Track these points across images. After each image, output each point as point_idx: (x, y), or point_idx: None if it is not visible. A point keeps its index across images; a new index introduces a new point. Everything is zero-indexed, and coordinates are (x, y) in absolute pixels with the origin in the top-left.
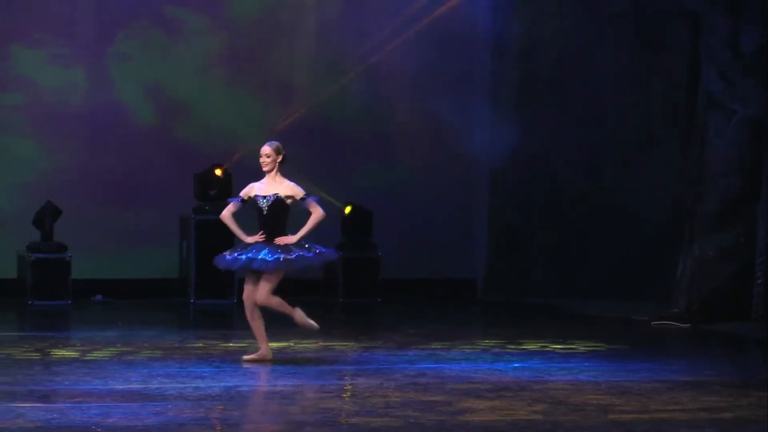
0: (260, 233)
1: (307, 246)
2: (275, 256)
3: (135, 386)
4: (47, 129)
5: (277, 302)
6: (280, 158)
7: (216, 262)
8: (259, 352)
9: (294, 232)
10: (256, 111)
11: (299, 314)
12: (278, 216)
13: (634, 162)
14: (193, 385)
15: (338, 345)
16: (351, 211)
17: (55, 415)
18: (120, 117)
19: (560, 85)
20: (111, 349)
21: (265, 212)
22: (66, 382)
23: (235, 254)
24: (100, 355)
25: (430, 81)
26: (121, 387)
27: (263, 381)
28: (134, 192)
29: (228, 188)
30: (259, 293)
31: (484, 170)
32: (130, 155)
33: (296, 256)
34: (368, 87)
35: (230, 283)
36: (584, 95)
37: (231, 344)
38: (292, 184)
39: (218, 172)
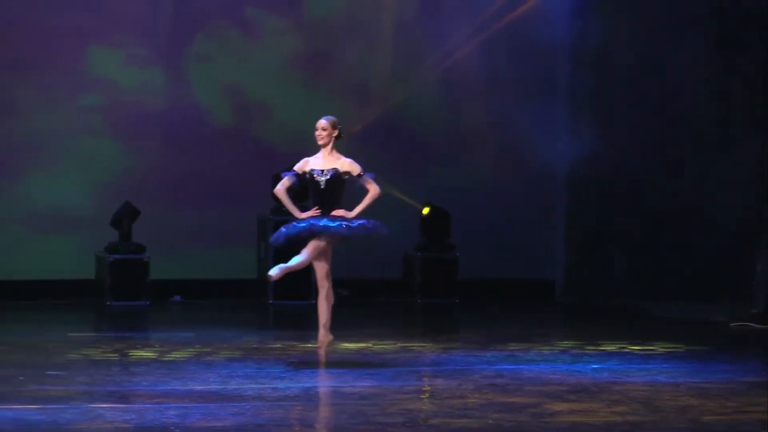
0: (315, 208)
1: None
2: (338, 222)
3: (213, 387)
4: (125, 130)
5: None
6: (335, 133)
7: (273, 240)
8: (320, 339)
9: (349, 209)
10: (332, 112)
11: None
12: (335, 191)
13: (712, 164)
14: (272, 385)
15: (416, 346)
16: (429, 212)
17: (133, 416)
18: (198, 117)
19: (637, 88)
20: (189, 349)
21: (322, 186)
22: (144, 383)
23: (294, 224)
24: (179, 356)
25: (506, 83)
26: (199, 388)
27: (342, 382)
28: (212, 192)
29: (305, 188)
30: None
31: (562, 172)
32: (208, 156)
33: (357, 224)
34: (446, 88)
35: (308, 284)
36: (662, 98)
37: (309, 345)
38: (349, 160)
39: None
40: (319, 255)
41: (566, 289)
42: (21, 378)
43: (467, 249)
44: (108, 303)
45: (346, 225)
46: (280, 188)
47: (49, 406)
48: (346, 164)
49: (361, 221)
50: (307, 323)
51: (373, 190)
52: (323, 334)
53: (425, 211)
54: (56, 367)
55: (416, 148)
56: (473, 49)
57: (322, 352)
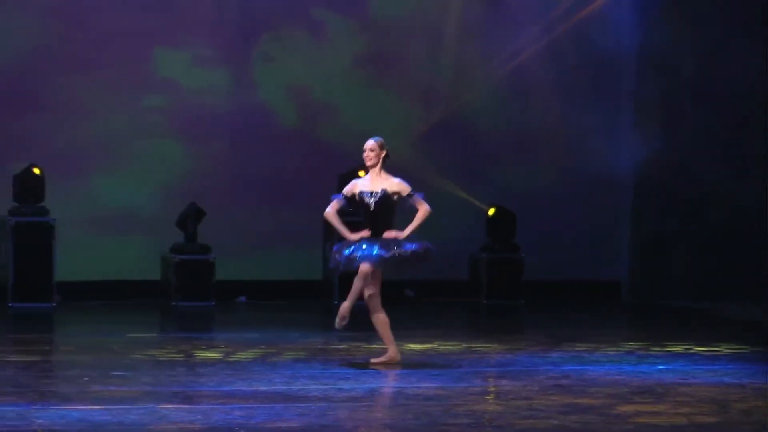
0: (366, 230)
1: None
2: (390, 253)
3: (278, 388)
4: (191, 131)
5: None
6: (383, 153)
7: (332, 264)
8: (387, 354)
9: (400, 229)
10: (398, 112)
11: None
12: (386, 212)
13: None
14: (337, 386)
15: (481, 347)
16: (494, 213)
17: (198, 417)
18: (263, 118)
19: (702, 91)
20: (254, 350)
21: (372, 208)
22: (209, 384)
23: (346, 252)
24: (244, 357)
25: (571, 85)
26: (264, 388)
27: (407, 383)
28: (278, 193)
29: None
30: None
31: (628, 173)
32: (273, 156)
33: (409, 250)
34: (511, 89)
35: None
36: (726, 101)
37: (374, 346)
38: (398, 180)
39: (361, 173)
40: (369, 280)
41: (632, 290)
42: (86, 378)
43: (533, 250)
44: (173, 303)
45: (398, 254)
46: (330, 211)
47: (114, 407)
48: (395, 184)
49: (412, 246)
50: (371, 325)
51: (423, 209)
52: (393, 351)
53: (491, 212)
54: (121, 368)
55: (482, 149)
56: (538, 51)
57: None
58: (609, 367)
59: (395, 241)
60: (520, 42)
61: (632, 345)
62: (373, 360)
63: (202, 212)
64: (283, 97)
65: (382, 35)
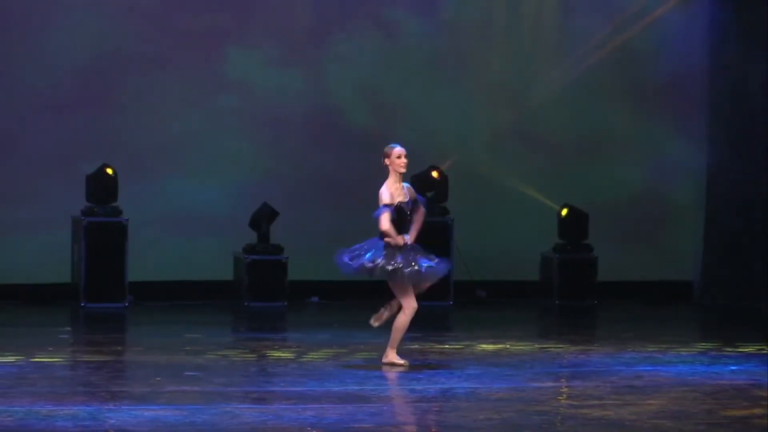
0: (403, 235)
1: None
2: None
3: (351, 388)
4: (263, 131)
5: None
6: None
7: (361, 269)
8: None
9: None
10: (471, 113)
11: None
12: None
13: None
14: (409, 387)
15: (554, 347)
16: (567, 214)
17: (270, 417)
18: (335, 118)
19: None
20: (326, 350)
21: (408, 218)
22: (282, 384)
23: (396, 260)
24: (316, 357)
25: (645, 86)
26: (336, 389)
27: (479, 383)
28: (350, 193)
29: (444, 190)
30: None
31: (701, 174)
32: (345, 156)
33: (438, 265)
34: (584, 89)
35: (446, 286)
36: None
37: (446, 346)
38: (407, 184)
39: (435, 173)
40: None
41: (704, 291)
42: (158, 379)
43: (605, 250)
44: (246, 304)
45: (426, 266)
46: (389, 223)
47: (186, 407)
48: (411, 190)
49: (437, 264)
50: (444, 325)
51: (422, 213)
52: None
53: (563, 212)
54: (194, 368)
55: (554, 148)
56: (610, 52)
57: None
58: (681, 368)
59: (424, 253)
60: (594, 42)
61: (704, 345)
62: (397, 361)
63: (274, 212)
64: (354, 98)
65: (454, 35)
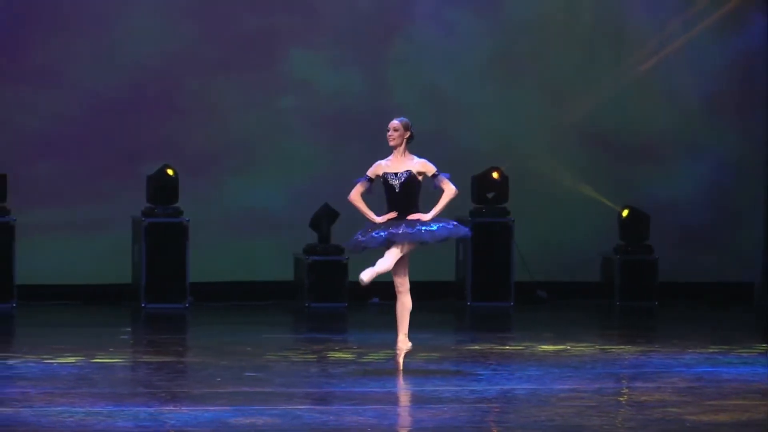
0: (391, 212)
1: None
2: (417, 228)
3: (411, 388)
4: (325, 132)
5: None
6: (407, 134)
7: (348, 246)
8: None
9: (425, 211)
10: (531, 113)
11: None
12: (411, 193)
13: None
14: (469, 387)
15: (615, 348)
16: (628, 214)
17: (331, 417)
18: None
19: None
20: (387, 351)
21: (397, 190)
22: (342, 385)
23: (371, 234)
24: (376, 358)
25: (706, 85)
26: (396, 390)
27: (540, 384)
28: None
29: (505, 191)
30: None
31: (761, 174)
32: None
33: (438, 227)
34: (646, 88)
35: (507, 286)
36: None
37: (507, 347)
38: (423, 160)
39: (495, 174)
40: (397, 261)
41: (765, 292)
42: (219, 379)
43: (666, 251)
44: (306, 304)
45: (425, 230)
46: (355, 194)
47: (246, 408)
48: (420, 164)
49: (441, 223)
50: (505, 325)
51: (449, 189)
52: (402, 341)
53: (624, 213)
54: (254, 369)
55: (615, 149)
56: (672, 51)
57: (400, 360)
58: (742, 369)
59: (420, 222)
60: (655, 39)
61: (765, 347)
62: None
63: (335, 213)
64: (417, 98)
65: (513, 35)
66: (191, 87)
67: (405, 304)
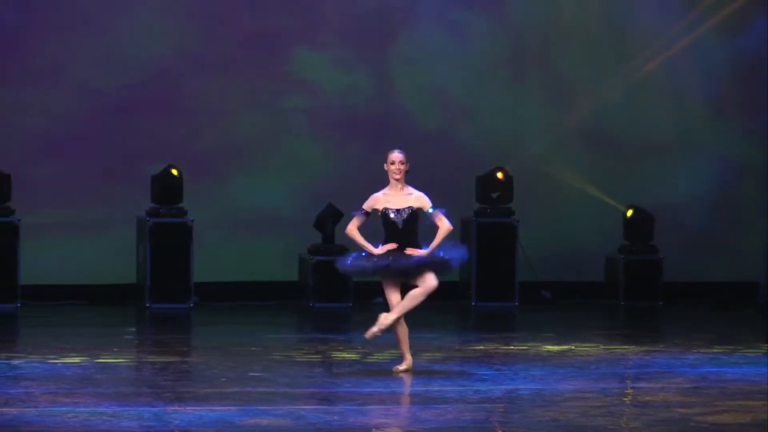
0: (391, 244)
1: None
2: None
3: (415, 389)
4: (329, 132)
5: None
6: (407, 167)
7: (349, 269)
8: (405, 362)
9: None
10: (536, 113)
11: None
12: (412, 230)
13: None
14: (474, 387)
15: (619, 348)
16: (633, 215)
17: (335, 417)
18: (402, 119)
19: None
20: (391, 351)
21: (400, 227)
22: (347, 385)
23: (373, 261)
24: (381, 358)
25: (712, 85)
26: (401, 389)
27: (544, 384)
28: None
29: (509, 191)
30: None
31: (765, 174)
32: (411, 158)
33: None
34: (649, 90)
35: (512, 286)
36: None
37: (512, 347)
38: (420, 194)
39: (500, 174)
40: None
41: None
42: (223, 380)
43: (671, 251)
44: (310, 304)
45: (426, 261)
46: (352, 228)
47: (251, 408)
48: (418, 200)
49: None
50: (509, 325)
51: (443, 226)
52: (410, 362)
53: (629, 213)
54: (259, 369)
55: (620, 149)
56: (677, 51)
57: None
58: (747, 370)
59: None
60: (662, 40)
61: None
62: (397, 368)
63: (339, 213)
64: (421, 99)
65: (519, 36)
66: (196, 87)
67: (405, 325)
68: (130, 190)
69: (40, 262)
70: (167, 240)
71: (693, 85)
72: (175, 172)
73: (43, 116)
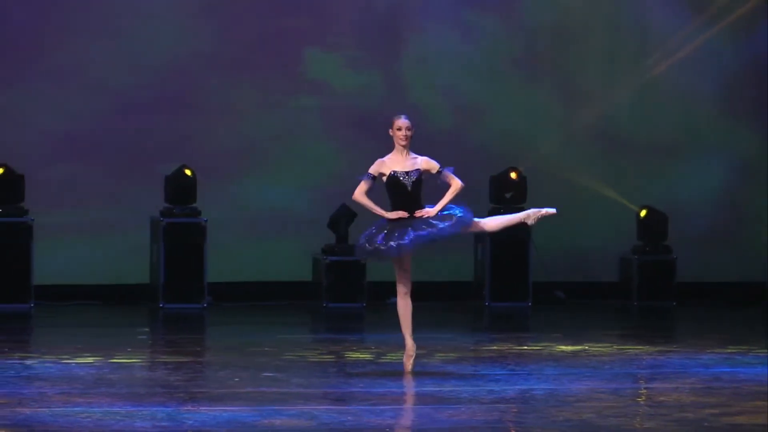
0: (401, 210)
1: (446, 214)
2: (426, 231)
3: (429, 389)
4: (342, 132)
5: None
6: (412, 132)
7: (362, 252)
8: (407, 350)
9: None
10: (549, 113)
11: None
12: (420, 191)
13: None
14: (487, 388)
15: (633, 348)
16: (646, 215)
17: (349, 418)
18: (414, 119)
19: None
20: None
21: (410, 189)
22: (360, 385)
23: (379, 240)
24: (394, 358)
25: (721, 85)
26: (415, 390)
27: (558, 384)
28: (429, 195)
29: (523, 191)
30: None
31: None
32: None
33: (442, 227)
34: (661, 90)
35: (525, 287)
36: None
37: (525, 347)
38: (425, 157)
39: (513, 175)
40: (400, 263)
41: None
42: (236, 380)
43: (684, 251)
44: (324, 304)
45: (435, 233)
46: (359, 193)
47: (264, 408)
48: (425, 162)
49: (446, 222)
50: (523, 325)
51: (455, 184)
52: (412, 346)
53: (642, 213)
54: (272, 369)
55: (633, 149)
56: (691, 52)
57: (410, 365)
58: (761, 370)
59: (428, 220)
60: (675, 40)
61: None
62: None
63: (353, 213)
64: (433, 99)
65: (531, 36)
66: (209, 87)
67: (410, 305)
68: (143, 191)
69: (53, 262)
70: (181, 240)
71: (704, 86)
72: (188, 172)
73: (57, 117)
